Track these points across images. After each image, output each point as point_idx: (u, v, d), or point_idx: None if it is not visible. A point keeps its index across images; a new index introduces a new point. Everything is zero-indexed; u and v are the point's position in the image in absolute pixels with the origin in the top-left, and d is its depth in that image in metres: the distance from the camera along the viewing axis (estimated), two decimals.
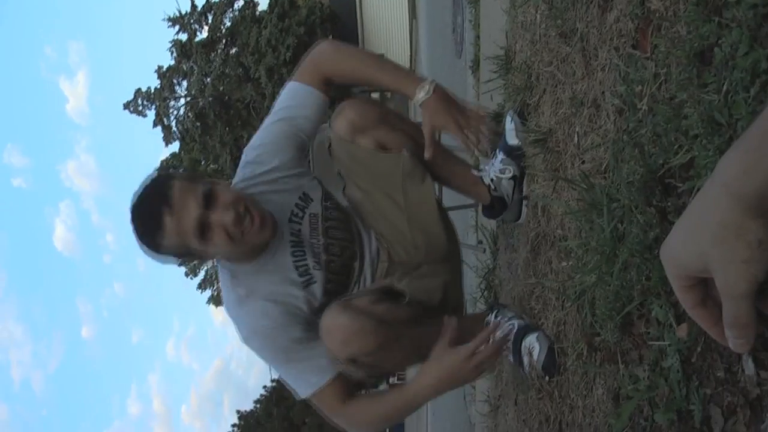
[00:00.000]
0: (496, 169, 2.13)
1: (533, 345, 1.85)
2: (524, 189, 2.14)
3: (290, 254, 1.86)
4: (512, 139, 2.21)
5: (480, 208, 2.39)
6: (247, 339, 1.84)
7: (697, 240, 0.69)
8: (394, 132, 1.97)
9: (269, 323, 1.80)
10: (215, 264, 1.93)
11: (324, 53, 1.92)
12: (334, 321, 1.73)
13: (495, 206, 2.15)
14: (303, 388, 1.84)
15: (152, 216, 1.68)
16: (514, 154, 2.14)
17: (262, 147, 1.92)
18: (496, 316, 2.05)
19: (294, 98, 1.91)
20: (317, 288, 1.86)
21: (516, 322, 1.98)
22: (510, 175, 2.11)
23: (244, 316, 1.83)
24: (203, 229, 1.68)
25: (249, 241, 1.74)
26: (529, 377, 1.93)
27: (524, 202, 2.15)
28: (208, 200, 1.69)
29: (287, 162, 1.92)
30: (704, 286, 0.73)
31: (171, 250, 1.73)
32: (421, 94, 1.78)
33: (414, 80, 1.82)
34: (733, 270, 0.67)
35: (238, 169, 1.95)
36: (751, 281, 0.67)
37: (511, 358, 1.96)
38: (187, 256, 1.78)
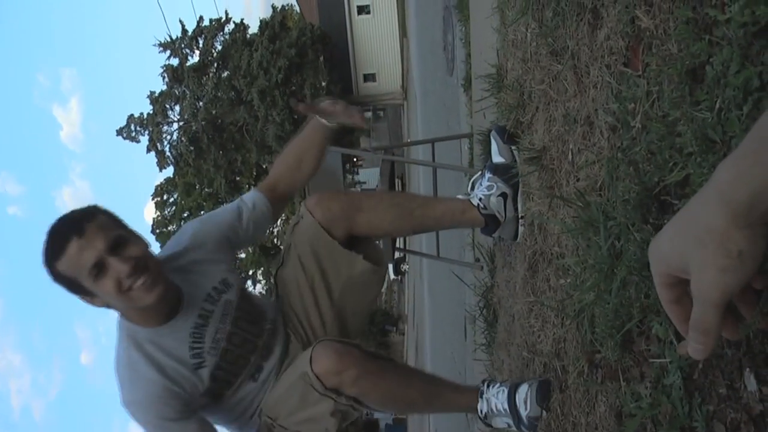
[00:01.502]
0: (483, 188, 2.14)
1: (524, 391, 1.87)
2: (520, 207, 2.14)
3: (190, 334, 1.88)
4: (497, 158, 2.25)
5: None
6: (127, 404, 1.85)
7: (683, 239, 0.70)
8: (369, 216, 2.05)
9: (151, 395, 1.82)
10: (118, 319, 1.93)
11: None
12: (325, 347, 1.81)
13: (488, 224, 2.15)
14: None
15: (61, 238, 1.70)
16: (500, 171, 2.15)
17: (197, 234, 1.99)
18: (488, 387, 2.04)
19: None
20: (205, 372, 1.88)
21: (506, 387, 1.97)
22: (498, 192, 2.11)
23: (128, 382, 1.84)
24: (99, 269, 1.70)
25: (134, 297, 1.74)
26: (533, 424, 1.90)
27: (520, 221, 2.15)
28: (116, 245, 1.72)
29: (215, 249, 1.99)
30: (685, 286, 0.73)
31: (64, 279, 1.74)
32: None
33: None
34: (708, 275, 0.67)
35: (171, 239, 2.03)
36: (724, 291, 0.67)
37: (511, 423, 1.94)
38: (77, 292, 1.78)
